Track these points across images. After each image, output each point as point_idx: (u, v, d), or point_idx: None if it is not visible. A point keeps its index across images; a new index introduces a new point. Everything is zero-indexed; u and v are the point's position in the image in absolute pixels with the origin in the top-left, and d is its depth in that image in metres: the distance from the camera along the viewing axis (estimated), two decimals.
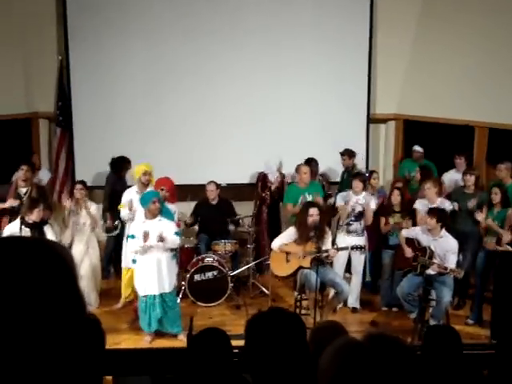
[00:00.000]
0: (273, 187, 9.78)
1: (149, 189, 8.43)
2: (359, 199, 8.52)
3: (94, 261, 8.46)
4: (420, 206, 8.39)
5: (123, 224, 8.81)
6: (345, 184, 9.59)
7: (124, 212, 8.54)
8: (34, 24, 10.11)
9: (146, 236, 7.25)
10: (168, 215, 7.80)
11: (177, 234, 7.56)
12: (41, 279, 1.18)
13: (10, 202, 8.22)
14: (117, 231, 9.11)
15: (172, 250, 7.61)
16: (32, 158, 9.96)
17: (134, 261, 7.56)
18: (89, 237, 8.39)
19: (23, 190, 8.42)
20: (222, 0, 10.43)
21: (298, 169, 9.23)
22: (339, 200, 8.69)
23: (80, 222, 8.30)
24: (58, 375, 1.19)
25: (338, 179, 10.29)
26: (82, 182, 8.62)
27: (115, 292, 8.82)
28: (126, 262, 8.55)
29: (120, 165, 9.66)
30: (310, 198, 8.78)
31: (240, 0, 10.46)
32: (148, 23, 10.33)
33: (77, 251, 8.10)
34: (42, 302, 1.17)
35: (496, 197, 8.04)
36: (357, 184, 8.57)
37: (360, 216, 8.51)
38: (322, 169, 10.20)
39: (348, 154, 9.90)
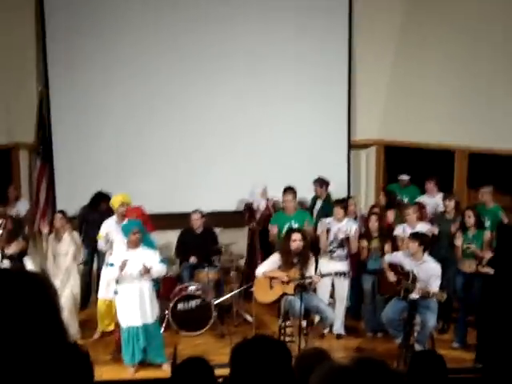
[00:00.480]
0: (257, 216, 9.77)
1: (126, 220, 8.42)
2: (342, 226, 8.53)
3: (74, 291, 8.38)
4: (400, 231, 8.43)
5: (99, 254, 8.73)
6: (320, 213, 9.57)
7: (100, 243, 8.53)
8: (13, 54, 10.09)
9: (123, 265, 7.21)
10: (149, 245, 7.76)
11: (162, 261, 7.52)
12: (23, 310, 1.17)
13: None
14: (82, 261, 9.05)
15: (155, 279, 7.57)
16: (8, 189, 9.87)
17: (115, 292, 7.47)
18: (70, 266, 8.31)
19: None
20: (203, 27, 10.44)
21: (283, 196, 9.23)
22: (319, 227, 8.68)
23: (61, 251, 8.23)
24: None
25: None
26: (62, 212, 8.61)
27: (91, 323, 8.76)
28: (102, 292, 8.48)
29: (96, 200, 9.65)
30: (296, 226, 8.75)
31: (222, 29, 10.49)
32: (129, 54, 10.34)
33: (57, 282, 8.01)
34: (25, 333, 1.15)
35: (469, 220, 8.10)
36: (338, 211, 8.57)
37: (343, 243, 8.50)
38: (303, 196, 10.16)
39: (319, 182, 9.91)
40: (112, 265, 7.36)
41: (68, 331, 1.27)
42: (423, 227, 8.41)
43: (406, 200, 9.82)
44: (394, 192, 9.79)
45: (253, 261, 9.58)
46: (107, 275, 7.59)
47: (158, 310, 7.78)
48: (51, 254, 8.23)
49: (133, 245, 7.37)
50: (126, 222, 8.23)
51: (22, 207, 9.78)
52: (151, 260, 7.34)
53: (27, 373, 1.16)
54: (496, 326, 7.24)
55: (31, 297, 1.19)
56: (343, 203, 8.80)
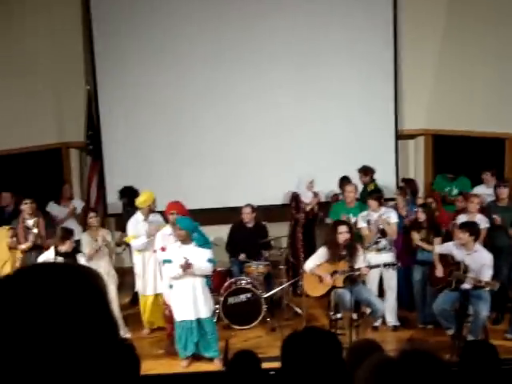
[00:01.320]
0: (307, 208, 9.76)
1: (151, 214, 8.53)
2: (381, 214, 8.45)
3: (115, 286, 8.50)
4: (459, 221, 8.29)
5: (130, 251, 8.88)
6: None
7: (136, 243, 8.52)
8: (61, 54, 10.27)
9: (186, 265, 7.27)
10: (201, 241, 7.79)
11: (210, 261, 7.54)
12: (74, 304, 1.19)
13: (26, 245, 8.33)
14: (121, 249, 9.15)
15: (206, 276, 7.61)
16: (63, 187, 10.05)
17: (170, 286, 7.56)
18: (109, 264, 8.44)
19: (30, 222, 8.49)
20: (246, 21, 10.48)
21: (342, 187, 9.18)
22: (360, 221, 8.61)
23: (98, 250, 8.36)
24: None
25: None
26: (94, 210, 8.83)
27: (132, 318, 8.90)
28: (143, 288, 8.59)
29: (128, 196, 9.68)
30: (353, 220, 8.71)
31: (264, 23, 10.49)
32: (176, 49, 10.43)
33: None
34: (76, 328, 1.18)
35: None
36: (371, 203, 8.52)
37: (384, 232, 8.44)
38: None
39: (363, 171, 9.85)
40: (169, 261, 7.41)
41: (118, 324, 1.30)
42: (482, 220, 8.26)
43: (455, 191, 9.64)
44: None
45: (296, 253, 9.59)
46: (166, 272, 7.59)
47: (213, 305, 7.84)
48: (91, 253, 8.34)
49: (180, 240, 7.44)
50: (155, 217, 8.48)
51: (77, 205, 9.95)
52: (198, 256, 7.39)
53: (81, 368, 1.18)
54: None
55: (80, 290, 1.22)
56: (376, 194, 8.71)
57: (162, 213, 8.76)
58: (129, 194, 9.67)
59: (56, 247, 7.54)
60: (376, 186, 9.68)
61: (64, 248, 7.50)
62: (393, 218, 8.47)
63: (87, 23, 10.30)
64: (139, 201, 8.62)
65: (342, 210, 9.09)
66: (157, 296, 8.44)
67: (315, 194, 9.95)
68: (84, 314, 1.19)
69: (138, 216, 8.65)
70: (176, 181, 10.18)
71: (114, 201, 10.32)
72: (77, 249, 7.91)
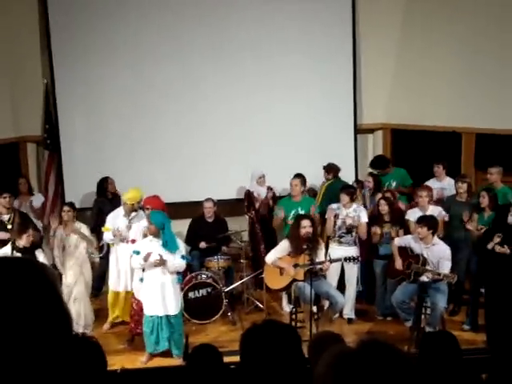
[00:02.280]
0: (257, 204, 9.79)
1: (134, 212, 8.43)
2: (349, 212, 8.52)
3: (88, 282, 8.41)
4: (412, 215, 8.39)
5: (108, 246, 8.75)
6: (325, 198, 9.58)
7: (107, 235, 8.47)
8: (18, 48, 10.11)
9: (147, 255, 7.23)
10: (171, 236, 7.71)
11: (183, 257, 7.51)
12: (23, 296, 1.17)
13: (1, 236, 8.14)
14: (102, 253, 9.04)
15: (178, 273, 7.57)
16: (19, 182, 9.84)
17: (141, 279, 7.51)
18: (82, 259, 8.34)
19: (6, 217, 8.32)
20: (208, 22, 10.43)
21: (290, 182, 9.22)
22: (328, 212, 8.67)
23: (71, 244, 8.25)
24: None
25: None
26: (70, 204, 8.56)
27: (103, 313, 8.83)
28: (113, 284, 8.53)
29: (102, 185, 9.77)
30: (302, 213, 8.75)
31: (228, 19, 10.48)
32: (134, 43, 10.34)
33: (70, 274, 8.06)
34: (25, 320, 1.16)
35: (484, 200, 8.05)
36: (343, 197, 8.56)
37: (351, 229, 8.49)
38: (310, 182, 10.14)
39: (327, 168, 9.91)
40: (138, 252, 7.36)
41: (71, 319, 1.28)
42: (435, 210, 8.38)
43: (394, 184, 9.73)
44: (378, 175, 9.71)
45: (257, 248, 9.61)
46: (133, 263, 7.54)
47: (181, 302, 7.81)
48: (60, 246, 8.23)
49: (151, 234, 7.39)
50: (138, 216, 8.33)
51: (37, 200, 9.80)
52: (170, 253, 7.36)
53: (33, 363, 1.17)
54: (505, 308, 7.26)
55: (29, 282, 1.20)
56: (349, 189, 8.76)
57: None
58: (99, 185, 9.70)
59: (13, 242, 7.42)
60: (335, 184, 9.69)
61: (21, 243, 7.37)
62: (363, 217, 8.53)
63: (44, 16, 10.14)
64: (126, 197, 8.50)
65: (288, 204, 9.08)
66: (128, 292, 8.37)
67: (269, 189, 9.99)
68: (33, 308, 1.18)
69: (120, 210, 8.57)
70: (136, 175, 10.10)
71: (72, 195, 10.22)
72: (36, 244, 7.78)
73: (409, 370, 1.53)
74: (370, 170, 10.05)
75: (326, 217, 8.68)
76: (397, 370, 1.51)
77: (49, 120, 10.36)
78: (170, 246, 7.42)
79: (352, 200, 8.62)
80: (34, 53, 10.32)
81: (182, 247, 7.66)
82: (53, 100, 10.34)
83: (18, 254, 7.34)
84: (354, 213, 8.53)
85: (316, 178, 10.11)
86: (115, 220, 8.47)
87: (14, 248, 7.36)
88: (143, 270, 7.44)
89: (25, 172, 10.63)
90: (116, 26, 10.30)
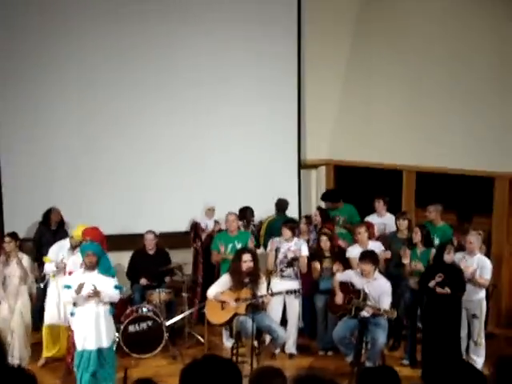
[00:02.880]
0: (203, 236, 9.79)
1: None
2: (290, 246, 8.59)
3: (25, 315, 8.21)
4: (353, 252, 8.48)
5: (45, 278, 8.58)
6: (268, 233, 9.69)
7: (49, 267, 8.33)
8: None
9: (79, 287, 7.07)
10: (107, 267, 7.58)
11: (117, 287, 7.37)
12: None
13: None
14: (43, 283, 8.87)
15: (111, 304, 7.44)
16: None
17: (72, 314, 7.33)
18: (19, 290, 8.14)
19: None
20: (147, 38, 10.36)
21: (226, 219, 9.24)
22: (269, 246, 8.75)
23: (10, 273, 8.07)
24: None
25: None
26: (12, 235, 8.37)
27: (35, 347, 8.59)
28: (47, 317, 8.34)
29: (47, 216, 9.63)
30: (239, 246, 8.78)
31: (170, 53, 10.50)
32: (77, 65, 10.19)
33: (5, 307, 7.87)
34: None
35: (416, 236, 8.19)
36: (285, 232, 8.62)
37: (292, 262, 8.55)
38: (259, 216, 10.21)
39: (276, 203, 10.08)
40: (69, 287, 7.17)
41: (6, 353, 1.26)
42: (375, 246, 8.48)
43: (341, 219, 9.87)
44: (327, 210, 9.84)
45: (196, 281, 9.59)
46: (63, 297, 7.38)
47: (114, 334, 7.67)
48: (1, 279, 8.05)
49: (87, 267, 7.26)
50: (84, 242, 8.15)
51: None
52: (104, 284, 7.21)
53: None
54: (440, 344, 7.38)
55: None
56: (291, 224, 8.83)
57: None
58: (44, 215, 9.56)
59: None
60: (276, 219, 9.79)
61: None
62: (304, 250, 8.59)
63: None
64: (75, 233, 8.36)
65: (225, 238, 9.11)
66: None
67: (216, 222, 10.02)
68: None
69: (65, 243, 8.43)
70: (77, 205, 9.96)
71: (11, 225, 10.00)
72: None
73: None
74: (320, 203, 10.18)
75: (267, 250, 8.71)
76: None
77: None
78: (107, 272, 7.35)
79: (294, 234, 8.69)
80: None
81: (114, 278, 7.53)
82: None
83: None
84: (295, 246, 8.60)
85: (265, 212, 10.17)
86: (59, 252, 8.33)
87: None
88: (74, 304, 7.28)
89: None
90: (52, 54, 10.08)
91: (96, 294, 7.07)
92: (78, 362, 7.20)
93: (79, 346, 7.19)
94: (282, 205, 10.03)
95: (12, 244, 8.14)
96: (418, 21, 9.86)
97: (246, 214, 9.79)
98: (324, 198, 10.30)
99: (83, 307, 7.17)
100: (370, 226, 8.95)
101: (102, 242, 8.29)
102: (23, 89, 10.10)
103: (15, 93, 10.07)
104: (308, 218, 9.64)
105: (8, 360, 1.31)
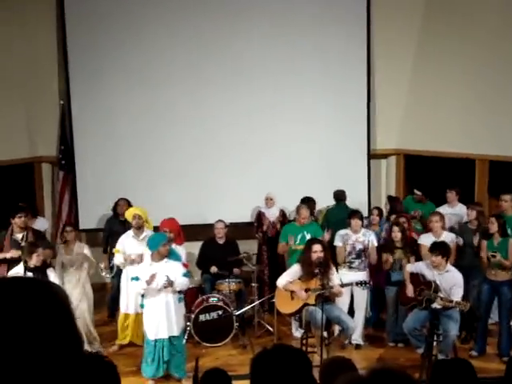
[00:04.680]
0: (265, 227, 9.82)
1: (144, 233, 8.46)
2: (359, 237, 8.53)
3: (90, 303, 8.44)
4: (425, 240, 8.36)
5: (119, 268, 8.77)
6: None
7: (118, 258, 8.52)
8: (34, 69, 10.23)
9: (151, 278, 7.19)
10: (175, 257, 7.75)
11: (185, 275, 7.48)
12: (37, 319, 1.18)
13: (12, 253, 8.14)
14: (112, 273, 9.07)
15: (180, 292, 7.56)
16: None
17: (142, 305, 7.47)
18: (85, 279, 8.38)
19: (19, 236, 8.28)
20: (220, 40, 10.52)
21: (297, 210, 9.24)
22: (337, 240, 8.68)
23: (74, 264, 8.30)
24: None
25: None
26: (72, 225, 8.74)
27: (109, 334, 8.88)
28: (124, 306, 8.54)
29: (116, 207, 9.80)
30: (308, 237, 8.75)
31: (239, 42, 10.56)
32: (149, 64, 10.44)
33: (74, 293, 8.08)
34: (38, 341, 1.16)
35: (493, 226, 7.98)
36: (356, 222, 8.58)
37: (361, 254, 8.50)
38: (321, 206, 10.19)
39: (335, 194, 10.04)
40: (137, 278, 7.33)
41: (83, 341, 1.29)
42: (448, 236, 8.34)
43: (420, 214, 9.69)
44: (398, 198, 9.69)
45: (262, 271, 9.64)
46: (133, 289, 7.54)
47: (183, 323, 7.79)
48: (58, 264, 8.29)
49: (160, 257, 7.37)
50: (151, 234, 8.30)
51: (40, 225, 9.74)
52: (175, 272, 7.33)
53: (37, 374, 1.17)
54: None
55: (41, 303, 1.21)
56: (360, 214, 8.78)
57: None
58: (114, 206, 9.76)
59: (25, 262, 7.45)
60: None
61: (32, 262, 7.40)
62: (373, 241, 8.54)
63: (62, 38, 10.27)
64: (127, 215, 8.63)
65: (294, 229, 9.09)
66: (138, 314, 8.38)
67: (282, 212, 10.02)
68: (46, 330, 1.18)
69: (130, 231, 8.62)
70: (148, 196, 10.14)
71: (86, 215, 10.30)
72: (47, 263, 7.82)
73: None
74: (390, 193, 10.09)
75: (336, 244, 8.64)
76: None
77: (64, 141, 10.45)
78: (174, 257, 7.55)
79: (362, 225, 8.63)
80: (51, 74, 10.45)
81: (181, 265, 7.64)
82: (69, 121, 10.43)
83: (30, 274, 7.36)
84: (364, 237, 8.54)
85: (328, 202, 10.12)
86: (124, 241, 8.53)
87: (25, 267, 7.40)
88: (143, 296, 7.41)
89: (39, 192, 10.71)
90: (132, 48, 10.40)
91: (170, 284, 7.19)
92: (152, 351, 7.34)
93: (151, 336, 7.32)
94: (340, 195, 9.93)
95: (72, 234, 8.42)
96: (489, 8, 9.61)
97: (308, 204, 9.76)
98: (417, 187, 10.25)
99: (154, 297, 7.30)
100: (443, 217, 8.76)
101: (179, 233, 8.44)
102: (97, 83, 10.38)
103: (90, 87, 10.37)
104: (379, 209, 9.53)
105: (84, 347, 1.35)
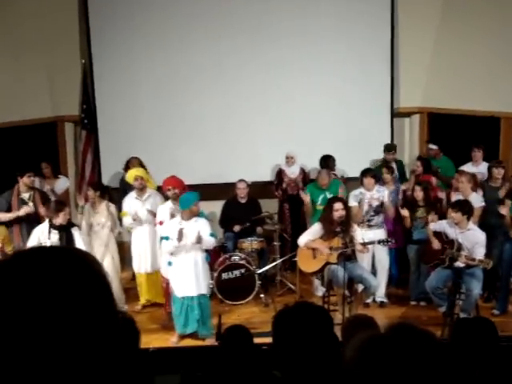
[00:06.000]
0: (284, 185, 9.82)
1: (147, 193, 8.52)
2: (373, 194, 8.50)
3: (115, 260, 8.53)
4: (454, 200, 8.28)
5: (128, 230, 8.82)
6: None
7: (126, 220, 8.56)
8: (57, 28, 10.19)
9: (180, 234, 7.24)
10: (202, 216, 7.80)
11: (212, 235, 7.54)
12: (72, 288, 1.18)
13: (25, 210, 8.21)
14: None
15: (206, 250, 7.61)
16: (42, 166, 9.76)
17: (169, 263, 7.54)
18: (108, 237, 8.46)
19: (26, 195, 8.35)
20: (242, 6, 10.42)
21: (319, 173, 9.23)
22: (352, 199, 8.63)
23: (97, 222, 8.38)
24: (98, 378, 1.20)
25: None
26: (93, 184, 8.80)
27: (130, 292, 9.00)
28: (138, 267, 8.62)
29: (127, 165, 9.82)
30: (330, 197, 8.74)
31: (263, 3, 10.43)
32: (171, 25, 10.38)
33: (97, 252, 8.18)
34: (76, 311, 1.17)
35: None
36: (369, 181, 8.54)
37: (379, 210, 8.48)
38: (341, 167, 10.17)
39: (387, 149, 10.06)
40: (167, 238, 7.38)
41: (117, 306, 1.29)
42: (475, 198, 8.24)
43: (438, 169, 9.64)
44: (429, 159, 9.62)
45: (284, 229, 9.67)
46: (164, 248, 7.55)
47: (210, 281, 7.86)
48: (86, 224, 8.37)
49: (191, 215, 7.41)
50: (154, 193, 8.43)
51: (61, 185, 9.81)
52: (204, 231, 7.38)
53: (76, 344, 1.18)
54: None
55: (81, 274, 1.21)
56: (373, 172, 8.74)
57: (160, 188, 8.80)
58: (125, 167, 9.77)
59: (50, 220, 7.53)
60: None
61: (58, 221, 7.48)
62: (385, 197, 8.51)
63: None
64: (128, 177, 8.67)
65: (315, 189, 9.15)
66: (154, 273, 8.46)
67: (302, 170, 10.00)
68: (83, 299, 1.19)
69: (132, 193, 8.66)
70: (170, 156, 10.18)
71: (109, 175, 10.36)
72: (71, 222, 7.90)
73: (440, 355, 1.52)
74: (413, 153, 9.97)
75: (350, 204, 8.53)
76: (427, 355, 1.50)
77: (86, 100, 10.46)
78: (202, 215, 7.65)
79: (376, 182, 8.63)
80: (73, 32, 10.42)
81: (208, 224, 7.69)
82: (90, 80, 10.43)
83: (55, 232, 7.46)
84: (378, 193, 8.52)
85: (349, 161, 10.06)
86: (128, 203, 8.59)
87: (51, 225, 7.48)
88: (171, 254, 7.48)
89: (62, 152, 10.77)
90: (154, 7, 10.33)
91: (199, 240, 7.23)
92: (179, 308, 7.42)
93: (179, 293, 7.39)
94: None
95: (92, 193, 8.46)
96: None
97: (328, 162, 9.72)
98: (431, 140, 10.15)
99: (182, 255, 7.36)
100: (473, 178, 8.61)
101: (184, 189, 8.44)
102: (119, 42, 10.36)
103: (112, 46, 10.36)
104: (389, 167, 9.42)
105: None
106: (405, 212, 8.38)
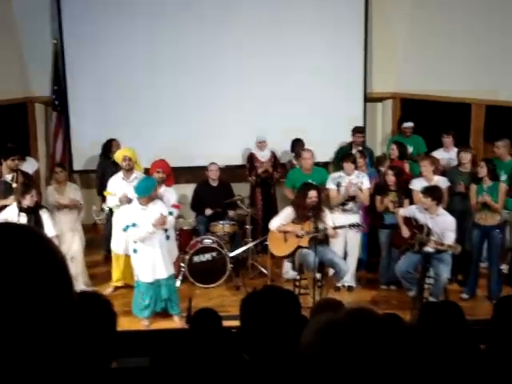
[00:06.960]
0: (259, 170, 9.81)
1: (134, 174, 8.42)
2: (352, 179, 8.50)
3: (82, 243, 8.49)
4: (417, 184, 8.36)
5: (111, 210, 8.75)
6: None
7: (111, 201, 8.46)
8: (27, 8, 10.04)
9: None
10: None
11: (170, 213, 7.54)
12: (26, 266, 1.17)
13: (8, 201, 8.10)
14: (102, 216, 9.08)
15: (166, 230, 7.58)
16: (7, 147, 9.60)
17: (135, 250, 7.48)
18: (75, 219, 8.41)
19: (9, 177, 8.24)
20: None
21: (299, 154, 9.20)
22: (330, 182, 8.64)
23: (63, 203, 8.32)
24: (61, 363, 1.19)
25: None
26: (61, 165, 8.72)
27: (104, 276, 8.96)
28: (117, 247, 8.55)
29: (107, 147, 9.72)
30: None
31: None
32: (144, 3, 10.26)
33: (66, 234, 8.12)
34: (29, 290, 1.16)
35: (482, 170, 7.97)
36: (349, 166, 8.53)
37: (354, 196, 8.49)
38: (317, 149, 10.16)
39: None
40: (134, 225, 7.31)
41: (72, 283, 1.28)
42: (440, 180, 8.34)
43: (410, 150, 9.74)
44: (404, 144, 9.67)
45: (256, 213, 9.67)
46: (132, 236, 7.48)
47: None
48: (53, 206, 8.30)
49: (150, 200, 7.37)
50: (140, 176, 8.29)
51: (28, 166, 9.68)
52: (163, 212, 7.36)
53: (34, 323, 1.16)
54: None
55: (32, 248, 1.20)
56: (353, 157, 8.75)
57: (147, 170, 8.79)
58: (104, 147, 9.67)
59: (19, 202, 7.45)
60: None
61: (25, 203, 7.40)
62: (365, 183, 8.52)
63: None
64: (116, 156, 8.59)
65: (298, 176, 9.02)
66: (128, 256, 8.42)
67: (273, 154, 10.00)
68: (37, 277, 1.17)
69: (119, 173, 8.58)
70: (142, 138, 10.08)
71: (79, 156, 10.27)
72: (39, 204, 7.81)
73: (399, 341, 1.52)
74: (385, 137, 10.03)
75: (327, 187, 8.61)
76: (383, 341, 1.49)
77: (57, 81, 10.33)
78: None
79: (355, 168, 8.61)
80: (43, 12, 10.26)
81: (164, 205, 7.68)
82: (62, 61, 10.29)
83: (24, 214, 7.38)
84: (357, 179, 8.52)
85: (321, 146, 10.07)
86: (114, 184, 8.49)
87: (19, 208, 7.41)
88: (134, 242, 7.42)
89: (32, 133, 10.64)
90: None
91: (163, 221, 7.21)
92: (146, 292, 7.40)
93: (149, 278, 7.36)
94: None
95: (63, 174, 8.44)
96: None
97: (297, 146, 9.72)
98: (403, 119, 10.22)
99: (148, 240, 7.31)
100: (435, 161, 8.74)
101: (170, 174, 8.42)
102: (90, 22, 10.21)
103: (83, 26, 10.19)
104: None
105: (74, 286, 1.34)
106: (383, 199, 8.41)
